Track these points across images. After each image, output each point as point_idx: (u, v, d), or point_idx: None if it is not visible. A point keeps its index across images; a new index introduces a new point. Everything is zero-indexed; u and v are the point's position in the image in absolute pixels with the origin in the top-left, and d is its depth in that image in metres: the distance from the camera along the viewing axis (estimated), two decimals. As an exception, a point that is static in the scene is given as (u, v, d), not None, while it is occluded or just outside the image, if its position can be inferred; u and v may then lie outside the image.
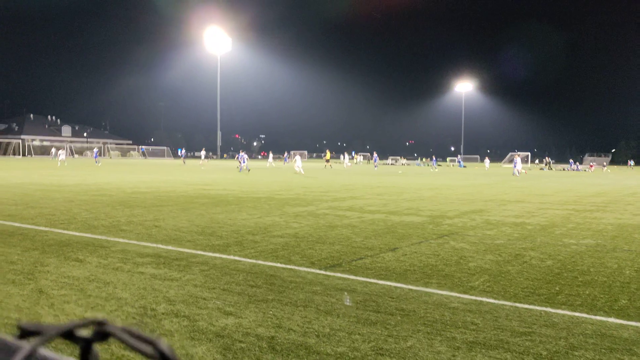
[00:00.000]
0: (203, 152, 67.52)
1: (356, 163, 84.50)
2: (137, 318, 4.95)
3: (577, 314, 5.35)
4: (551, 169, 72.59)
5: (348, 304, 5.51)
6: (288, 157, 61.18)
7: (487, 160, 68.89)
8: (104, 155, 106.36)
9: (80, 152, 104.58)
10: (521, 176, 41.64)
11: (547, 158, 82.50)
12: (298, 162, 42.61)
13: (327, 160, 60.98)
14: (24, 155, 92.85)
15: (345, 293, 5.92)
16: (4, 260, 7.34)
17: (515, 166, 43.94)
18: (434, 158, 72.84)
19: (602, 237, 10.54)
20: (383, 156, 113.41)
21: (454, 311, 5.36)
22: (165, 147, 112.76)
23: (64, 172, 33.83)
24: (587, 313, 5.38)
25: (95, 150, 51.80)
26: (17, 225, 10.61)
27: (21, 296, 5.57)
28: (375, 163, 62.70)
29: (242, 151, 46.10)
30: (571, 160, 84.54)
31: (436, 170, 59.34)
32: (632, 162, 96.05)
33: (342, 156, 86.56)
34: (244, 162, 41.18)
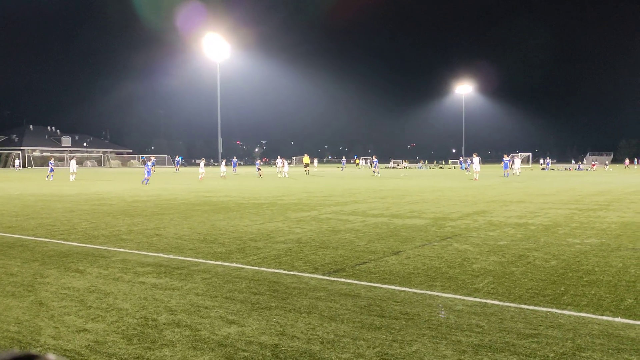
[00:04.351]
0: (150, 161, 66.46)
1: (360, 167, 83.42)
2: (137, 329, 4.89)
3: (583, 314, 5.29)
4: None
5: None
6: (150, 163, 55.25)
7: (520, 159, 55.39)
8: (104, 165, 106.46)
9: (80, 162, 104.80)
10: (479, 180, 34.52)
11: (547, 158, 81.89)
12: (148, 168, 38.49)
13: (306, 165, 56.78)
14: (24, 166, 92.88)
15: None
16: (3, 272, 7.29)
17: (475, 167, 37.53)
18: (469, 160, 63.14)
19: (606, 236, 10.47)
20: (385, 159, 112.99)
21: (458, 314, 5.30)
22: (165, 156, 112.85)
23: (61, 183, 33.81)
24: (594, 313, 5.32)
25: (51, 162, 40.83)
26: (17, 237, 10.58)
27: (21, 308, 5.52)
28: (376, 169, 50.75)
29: (146, 157, 41.66)
30: (548, 160, 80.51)
31: (467, 173, 52.99)
32: (636, 160, 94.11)
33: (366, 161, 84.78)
34: (148, 173, 32.36)
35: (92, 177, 44.45)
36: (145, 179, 31.58)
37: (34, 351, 0.70)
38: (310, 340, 4.57)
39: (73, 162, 38.99)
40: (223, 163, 45.31)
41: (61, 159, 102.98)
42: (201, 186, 29.25)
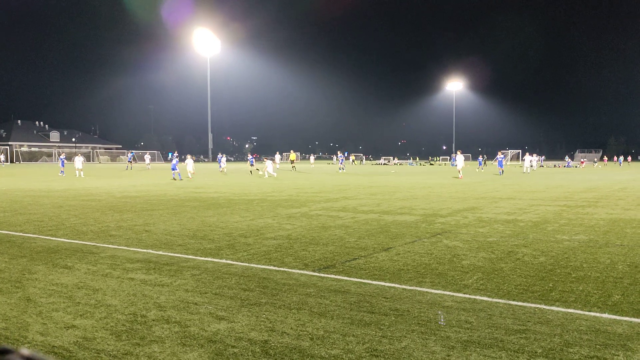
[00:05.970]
0: (145, 157, 64.27)
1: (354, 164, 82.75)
2: (126, 325, 4.87)
3: (571, 310, 5.33)
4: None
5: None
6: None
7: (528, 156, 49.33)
8: (93, 160, 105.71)
9: (69, 157, 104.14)
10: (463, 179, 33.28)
11: (534, 154, 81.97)
12: (77, 163, 36.13)
13: (292, 162, 55.97)
14: (12, 161, 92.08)
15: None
16: (-9, 268, 7.22)
17: (457, 165, 36.32)
18: (480, 158, 60.24)
19: (594, 232, 10.55)
20: (376, 156, 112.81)
21: (448, 310, 5.32)
22: (155, 151, 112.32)
23: (55, 178, 33.53)
24: (581, 309, 5.36)
25: (61, 157, 38.75)
26: (4, 233, 10.48)
27: (8, 305, 5.47)
28: (341, 164, 48.95)
29: (174, 153, 39.29)
30: (539, 157, 78.86)
31: (482, 170, 53.03)
32: (621, 158, 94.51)
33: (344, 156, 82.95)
34: (174, 166, 31.76)
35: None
36: (178, 174, 31.22)
37: (7, 345, 0.69)
38: (299, 336, 4.57)
39: (78, 158, 36.59)
40: (223, 158, 45.38)
41: (49, 154, 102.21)
42: (190, 182, 29.13)
